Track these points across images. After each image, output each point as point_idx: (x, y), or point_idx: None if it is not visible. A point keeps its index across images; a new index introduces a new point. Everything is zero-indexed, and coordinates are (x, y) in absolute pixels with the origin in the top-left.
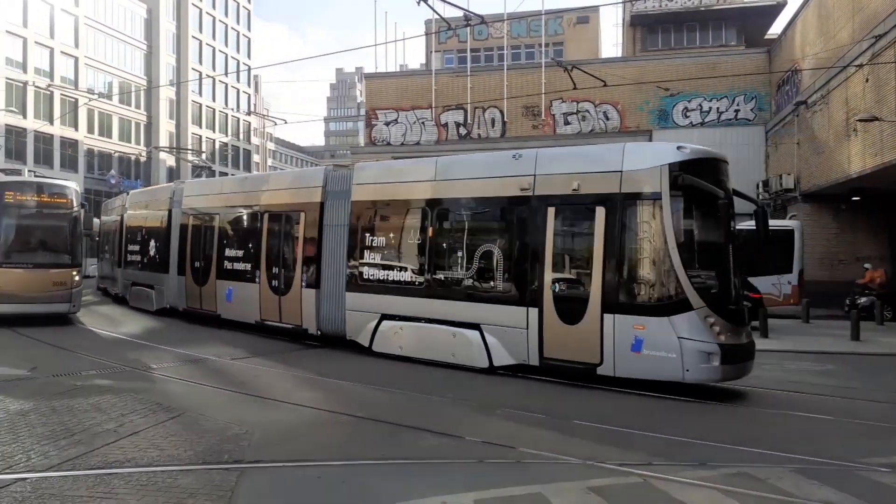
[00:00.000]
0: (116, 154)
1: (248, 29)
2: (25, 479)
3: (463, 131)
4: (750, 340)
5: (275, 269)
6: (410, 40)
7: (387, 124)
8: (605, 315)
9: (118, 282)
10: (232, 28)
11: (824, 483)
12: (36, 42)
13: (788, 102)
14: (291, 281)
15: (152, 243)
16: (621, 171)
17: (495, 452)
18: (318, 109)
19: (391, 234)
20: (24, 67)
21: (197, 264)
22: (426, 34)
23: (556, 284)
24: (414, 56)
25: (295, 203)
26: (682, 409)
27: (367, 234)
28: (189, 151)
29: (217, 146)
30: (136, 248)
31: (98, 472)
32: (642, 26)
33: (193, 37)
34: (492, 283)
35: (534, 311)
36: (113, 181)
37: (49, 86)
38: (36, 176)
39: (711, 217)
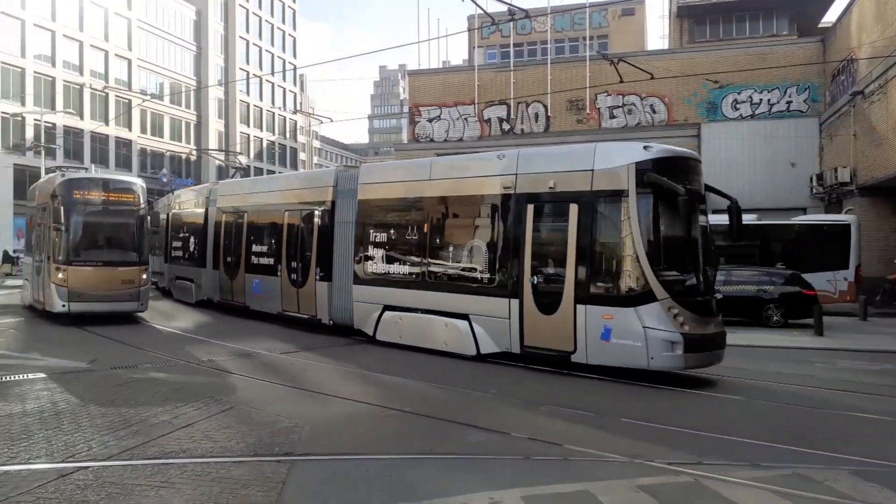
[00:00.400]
0: (168, 153)
1: (294, 28)
2: (87, 467)
3: (506, 126)
4: (719, 331)
5: (293, 264)
6: (453, 37)
7: (430, 121)
8: (577, 306)
9: (164, 276)
10: (278, 28)
11: (884, 485)
12: (91, 45)
13: (844, 93)
14: (307, 274)
15: (192, 240)
16: (592, 170)
17: (541, 449)
18: (362, 107)
19: (391, 231)
20: (80, 70)
21: (229, 259)
22: (469, 30)
23: (535, 277)
24: (456, 52)
25: (310, 202)
26: (730, 406)
27: (371, 231)
28: (228, 153)
29: (264, 145)
30: (179, 244)
31: (155, 461)
32: (690, 17)
33: (241, 37)
34: (478, 275)
35: (515, 302)
36: (165, 179)
37: (105, 88)
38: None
39: (676, 213)
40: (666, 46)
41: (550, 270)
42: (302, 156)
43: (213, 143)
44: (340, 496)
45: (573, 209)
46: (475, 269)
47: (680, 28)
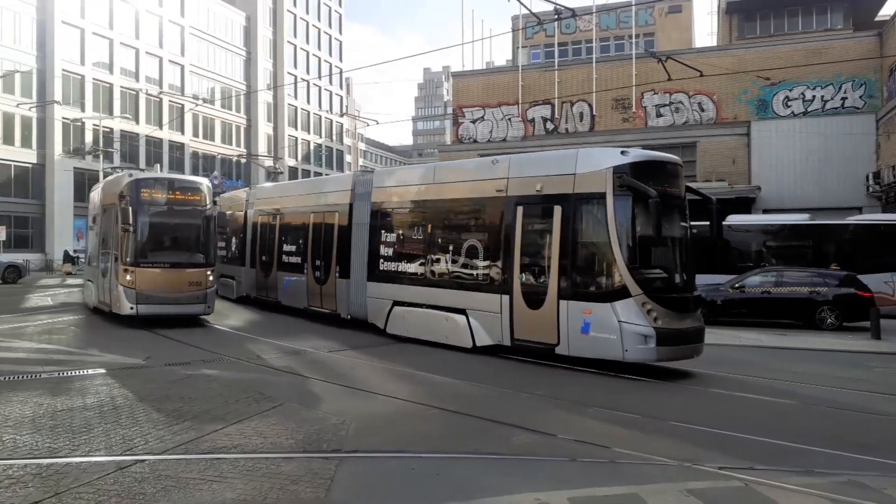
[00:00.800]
0: (219, 156)
1: (340, 32)
2: (144, 460)
3: (550, 126)
4: (694, 326)
5: (317, 262)
6: (496, 37)
7: (473, 122)
8: (560, 301)
9: None
10: (324, 32)
11: None
12: (147, 52)
13: None
14: (329, 272)
15: (234, 240)
16: (574, 174)
17: (588, 451)
18: (406, 109)
19: (399, 231)
20: (136, 76)
21: (264, 258)
22: (512, 30)
23: (523, 274)
24: (500, 53)
25: (331, 204)
26: (784, 411)
27: (382, 231)
28: (275, 158)
29: (311, 147)
30: (223, 243)
31: (208, 456)
32: (739, 13)
33: (289, 42)
34: (474, 273)
35: (506, 298)
36: (216, 182)
37: (160, 93)
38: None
39: (650, 214)
40: (714, 43)
41: (537, 268)
42: (348, 158)
43: (262, 146)
44: (388, 493)
45: (557, 210)
46: (471, 267)
47: (729, 24)
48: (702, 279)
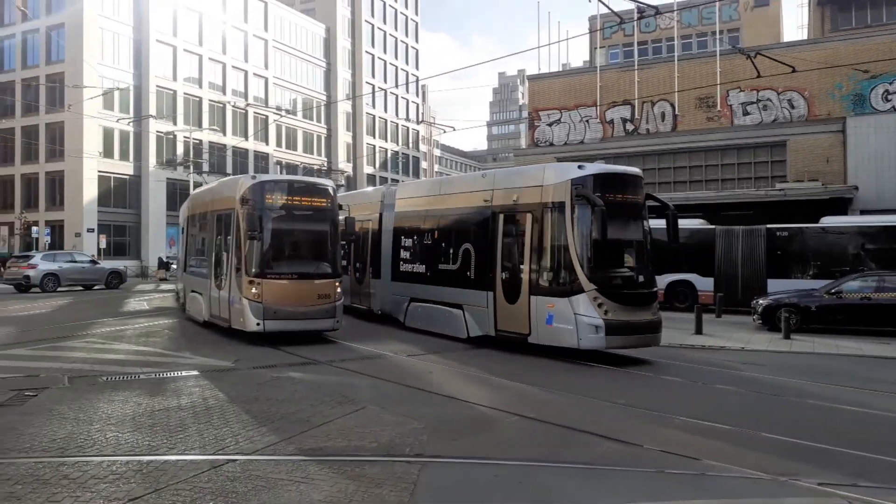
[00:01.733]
0: (301, 165)
1: (416, 41)
2: (235, 460)
3: (630, 127)
4: (645, 319)
5: (357, 264)
6: (573, 39)
7: (549, 125)
8: (531, 296)
9: None
10: (401, 41)
11: None
12: (233, 66)
13: None
14: (364, 273)
15: None
16: (542, 186)
17: (676, 463)
18: (481, 114)
19: (414, 237)
20: (223, 90)
21: None
22: (590, 31)
23: (503, 273)
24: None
25: (367, 213)
26: (884, 424)
27: (402, 237)
28: (338, 172)
29: (389, 155)
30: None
31: (294, 458)
32: (832, 4)
33: (366, 52)
34: (468, 273)
35: (491, 294)
36: None
37: (246, 105)
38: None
39: (602, 220)
40: (805, 37)
41: (514, 268)
42: (423, 164)
43: (341, 154)
44: (471, 500)
45: (528, 218)
46: (466, 268)
47: (821, 16)
48: (796, 285)
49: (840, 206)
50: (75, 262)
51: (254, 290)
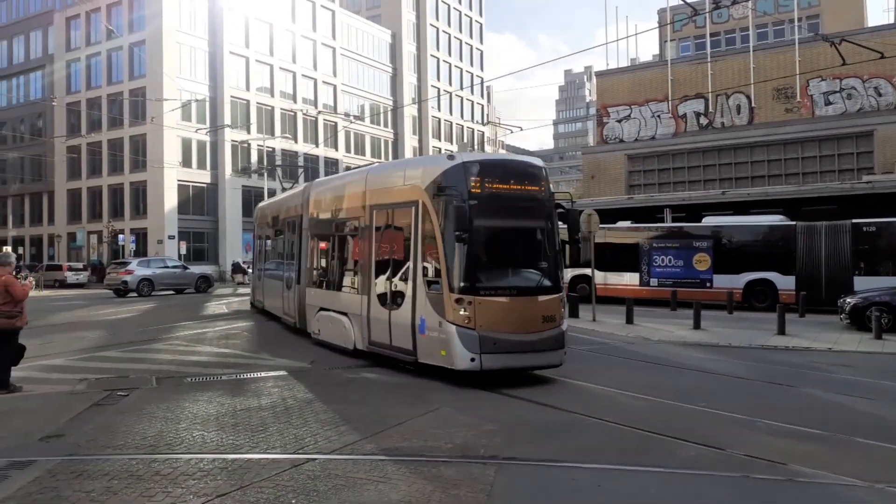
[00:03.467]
0: None
1: (481, 42)
2: (315, 459)
3: (703, 121)
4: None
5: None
6: (642, 34)
7: (619, 121)
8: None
9: None
10: (465, 43)
11: None
12: (303, 75)
13: None
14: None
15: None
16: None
17: (762, 468)
18: (546, 112)
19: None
20: (294, 98)
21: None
22: (659, 25)
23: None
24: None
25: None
26: None
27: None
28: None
29: None
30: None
31: (372, 457)
32: None
33: (432, 55)
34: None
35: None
36: None
37: (317, 112)
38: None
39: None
40: (892, 21)
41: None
42: None
43: (409, 158)
44: (550, 502)
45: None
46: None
47: None
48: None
49: None
50: (167, 267)
51: (462, 312)
